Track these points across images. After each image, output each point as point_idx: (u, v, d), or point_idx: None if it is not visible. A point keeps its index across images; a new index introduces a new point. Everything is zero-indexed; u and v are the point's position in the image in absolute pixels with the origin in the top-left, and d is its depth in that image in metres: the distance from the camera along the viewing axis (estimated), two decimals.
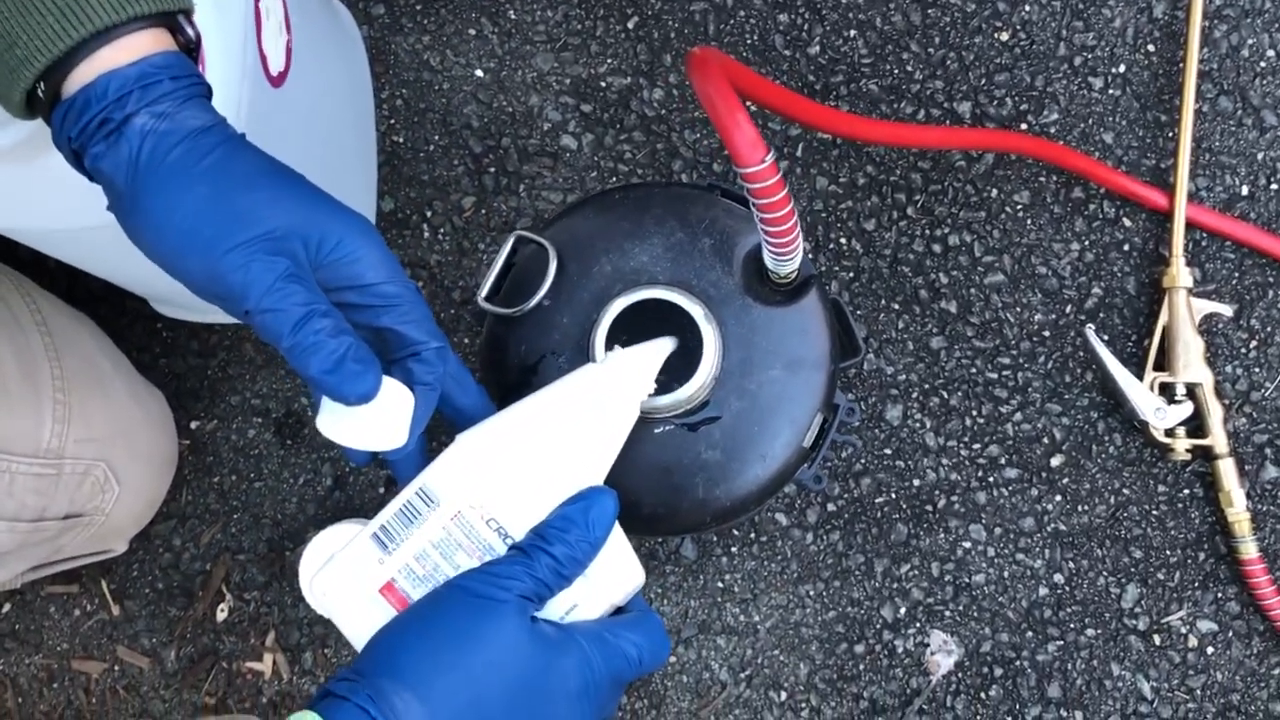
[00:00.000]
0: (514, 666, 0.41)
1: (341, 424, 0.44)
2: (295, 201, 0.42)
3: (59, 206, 0.55)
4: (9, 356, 0.63)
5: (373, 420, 0.44)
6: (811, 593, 0.79)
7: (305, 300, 0.40)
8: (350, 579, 0.46)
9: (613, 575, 0.46)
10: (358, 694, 0.39)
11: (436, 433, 0.53)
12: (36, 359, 0.65)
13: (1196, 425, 0.77)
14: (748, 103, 0.46)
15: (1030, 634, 0.78)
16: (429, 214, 0.83)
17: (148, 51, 0.40)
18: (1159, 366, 0.77)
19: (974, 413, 0.80)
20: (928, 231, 0.81)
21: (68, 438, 0.65)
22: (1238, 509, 0.76)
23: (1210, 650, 0.78)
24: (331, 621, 0.47)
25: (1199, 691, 0.78)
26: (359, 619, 0.46)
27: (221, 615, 0.82)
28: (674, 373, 0.56)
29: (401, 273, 0.44)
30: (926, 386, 0.80)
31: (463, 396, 0.50)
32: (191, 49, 0.44)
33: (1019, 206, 0.81)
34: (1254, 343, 0.79)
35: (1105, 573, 0.78)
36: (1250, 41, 0.81)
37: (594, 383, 0.50)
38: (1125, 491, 0.79)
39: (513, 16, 0.84)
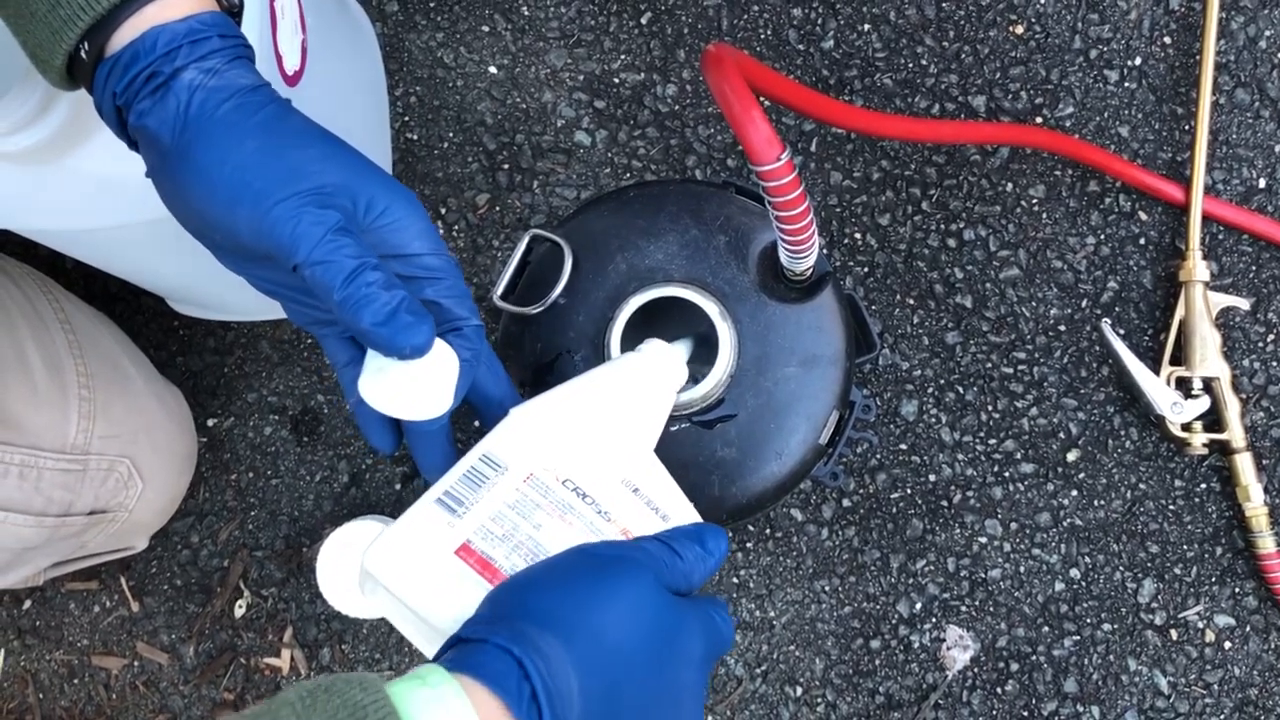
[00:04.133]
0: (652, 623, 0.38)
1: (385, 385, 0.43)
2: (345, 162, 0.41)
3: (79, 207, 0.55)
4: (35, 354, 0.64)
5: (419, 379, 0.43)
6: (827, 588, 0.79)
7: (357, 253, 0.39)
8: (416, 544, 0.43)
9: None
10: (496, 635, 0.35)
11: (459, 424, 0.53)
12: (61, 357, 0.66)
13: (1213, 419, 0.77)
14: (762, 99, 0.45)
15: (1046, 629, 0.78)
16: (443, 211, 0.84)
17: (195, 9, 0.40)
18: (1175, 361, 0.77)
19: (989, 408, 0.79)
20: (943, 226, 0.81)
21: (93, 434, 0.66)
22: (1255, 503, 0.75)
23: (1227, 645, 0.77)
24: (345, 614, 0.46)
25: (1216, 686, 0.77)
26: (430, 583, 0.42)
27: (239, 611, 0.82)
28: (690, 370, 0.56)
29: (445, 247, 0.44)
30: (942, 382, 0.80)
31: (494, 384, 0.49)
32: (234, 12, 0.43)
33: (1034, 200, 0.80)
34: (1271, 336, 0.79)
35: (1122, 567, 0.78)
36: (1268, 33, 0.80)
37: (636, 365, 0.50)
38: (1142, 486, 0.79)
39: (526, 13, 0.84)
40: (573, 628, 0.36)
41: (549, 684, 0.34)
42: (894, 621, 0.79)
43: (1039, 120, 0.81)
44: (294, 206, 0.39)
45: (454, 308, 0.44)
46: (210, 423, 0.84)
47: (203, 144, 0.39)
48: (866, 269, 0.81)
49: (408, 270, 0.43)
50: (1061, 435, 0.79)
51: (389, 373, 0.42)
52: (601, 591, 0.38)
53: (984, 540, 0.79)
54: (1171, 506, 0.78)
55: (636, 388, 0.49)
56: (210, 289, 0.75)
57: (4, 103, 0.49)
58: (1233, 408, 0.76)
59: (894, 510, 0.79)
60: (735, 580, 0.80)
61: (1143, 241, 0.80)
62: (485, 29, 0.85)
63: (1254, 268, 0.79)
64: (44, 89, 0.51)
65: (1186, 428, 0.76)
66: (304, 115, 0.42)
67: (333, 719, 0.30)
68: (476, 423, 0.51)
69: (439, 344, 0.42)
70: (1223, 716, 0.77)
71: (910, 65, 0.82)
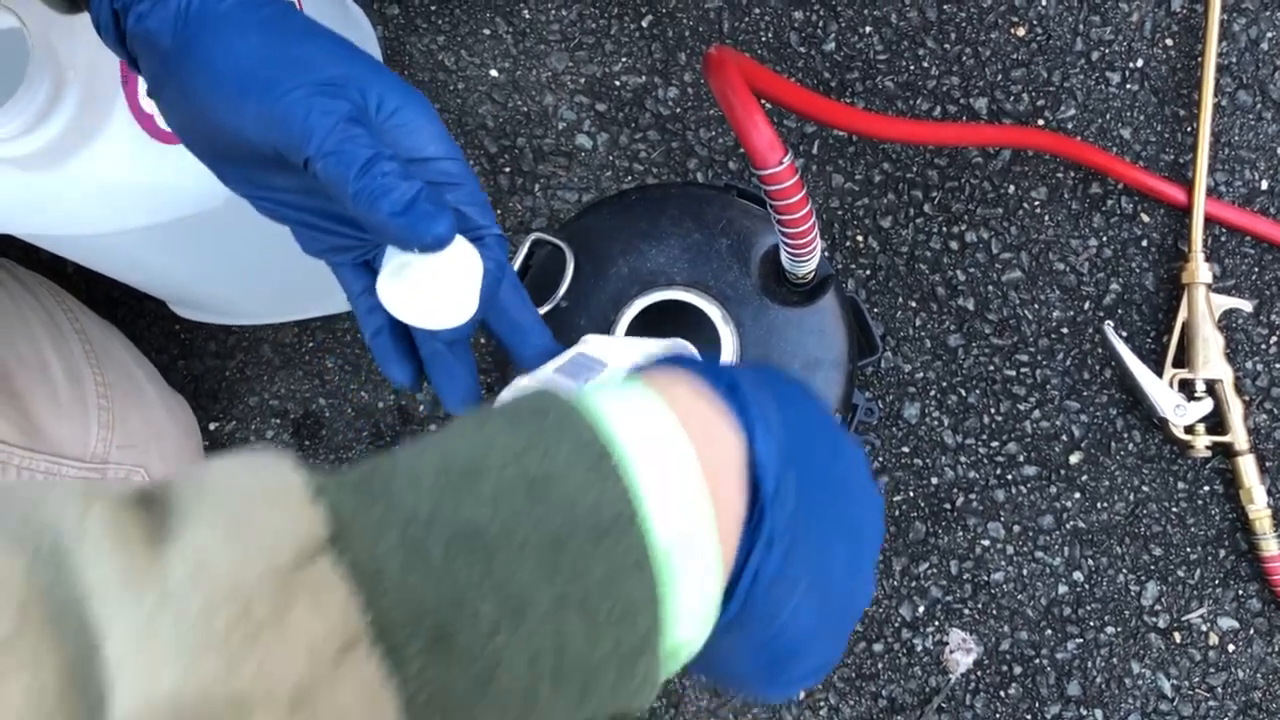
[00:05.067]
0: (834, 426, 0.35)
1: (404, 287, 0.40)
2: (354, 58, 0.39)
3: (81, 212, 0.55)
4: (56, 364, 0.65)
5: (441, 277, 0.39)
6: None
7: (370, 143, 0.36)
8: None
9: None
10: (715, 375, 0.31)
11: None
12: (80, 367, 0.67)
13: (1216, 422, 0.77)
14: (764, 102, 0.45)
15: (1049, 632, 0.78)
16: None
17: None
18: (1178, 363, 0.77)
19: (992, 410, 0.79)
20: (945, 228, 0.81)
21: (111, 444, 0.66)
22: (1258, 505, 0.75)
23: (1231, 648, 0.77)
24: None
25: (1220, 689, 0.77)
26: None
27: None
28: None
29: (461, 153, 0.41)
30: (944, 384, 0.80)
31: (519, 308, 0.45)
32: None
33: (1036, 203, 0.80)
34: (1274, 338, 0.79)
35: (1125, 570, 0.78)
36: (1270, 35, 0.80)
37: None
38: (1145, 488, 0.79)
39: (527, 16, 0.84)
40: (779, 391, 0.32)
41: (757, 401, 0.30)
42: (897, 625, 0.78)
43: (1041, 122, 0.81)
44: (303, 96, 0.36)
45: (475, 215, 0.41)
46: (212, 427, 0.84)
47: (206, 38, 0.38)
48: (869, 272, 0.81)
49: (426, 175, 0.40)
50: (1064, 438, 0.79)
51: (409, 272, 0.39)
52: (789, 384, 0.34)
53: (987, 543, 0.79)
54: (1175, 509, 0.78)
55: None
56: (212, 293, 0.75)
57: (7, 109, 0.49)
58: (1236, 410, 0.76)
59: (896, 513, 0.79)
60: None
61: (1145, 244, 0.80)
62: (486, 32, 0.85)
63: (1256, 270, 0.79)
64: (47, 95, 0.51)
65: (1189, 430, 0.76)
66: (308, 15, 0.40)
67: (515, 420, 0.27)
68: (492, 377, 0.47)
69: (461, 241, 0.39)
70: (1227, 719, 0.77)
71: (912, 67, 0.82)
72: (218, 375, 0.84)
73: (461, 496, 0.25)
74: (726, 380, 0.30)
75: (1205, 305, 0.76)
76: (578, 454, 0.26)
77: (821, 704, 0.78)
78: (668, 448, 0.27)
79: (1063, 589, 0.78)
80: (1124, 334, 0.79)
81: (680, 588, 0.26)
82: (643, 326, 0.58)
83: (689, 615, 0.27)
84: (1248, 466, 0.76)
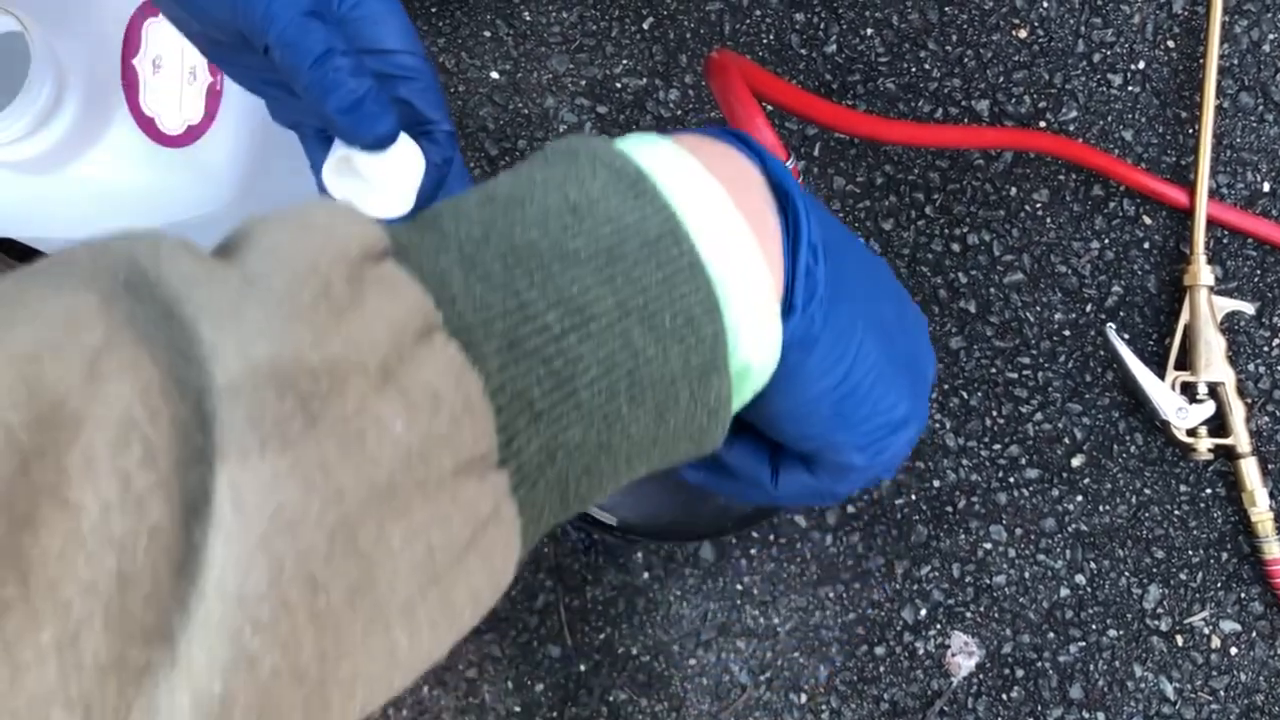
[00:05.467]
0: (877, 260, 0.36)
1: (346, 178, 0.42)
2: None
3: (82, 216, 0.55)
4: None
5: (380, 174, 0.41)
6: (831, 595, 0.79)
7: (326, 38, 0.38)
8: None
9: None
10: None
11: None
12: None
13: (1219, 424, 0.76)
14: (765, 104, 0.45)
15: (1052, 635, 0.78)
16: None
17: None
18: (1180, 365, 0.77)
19: (994, 413, 0.79)
20: (946, 231, 0.80)
21: None
22: (1261, 508, 0.75)
23: (1234, 651, 0.77)
24: None
25: (1222, 692, 0.77)
26: None
27: None
28: None
29: (422, 48, 0.43)
30: (946, 387, 0.80)
31: None
32: None
33: (1038, 205, 0.80)
34: (1276, 340, 0.79)
35: (1127, 573, 0.78)
36: (1271, 36, 0.80)
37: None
38: (1147, 491, 0.78)
39: (528, 18, 0.84)
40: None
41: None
42: (899, 628, 0.78)
43: (1042, 124, 0.81)
44: None
45: (426, 109, 0.42)
46: None
47: None
48: None
49: (381, 67, 0.41)
50: (1066, 440, 0.79)
51: (351, 164, 0.41)
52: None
53: (989, 546, 0.79)
54: (1177, 512, 0.78)
55: None
56: None
57: (8, 112, 0.49)
58: (1238, 413, 0.76)
59: (898, 516, 0.79)
60: (739, 587, 0.79)
61: (1147, 246, 0.80)
62: (486, 34, 0.85)
63: (1259, 272, 0.79)
64: (48, 98, 0.51)
65: (1192, 433, 0.76)
66: None
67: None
68: None
69: (405, 142, 0.41)
70: None
71: (913, 69, 0.82)
72: None
73: (510, 219, 0.26)
74: (743, 140, 0.32)
75: (1207, 308, 0.76)
76: (614, 181, 0.27)
77: (823, 708, 0.78)
78: (697, 175, 0.28)
79: (1065, 592, 0.78)
80: (1126, 336, 0.79)
81: (734, 296, 0.27)
82: None
83: (749, 331, 0.27)
84: (1250, 469, 0.75)
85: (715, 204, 0.27)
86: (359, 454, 0.21)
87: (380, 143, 0.39)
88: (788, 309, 0.29)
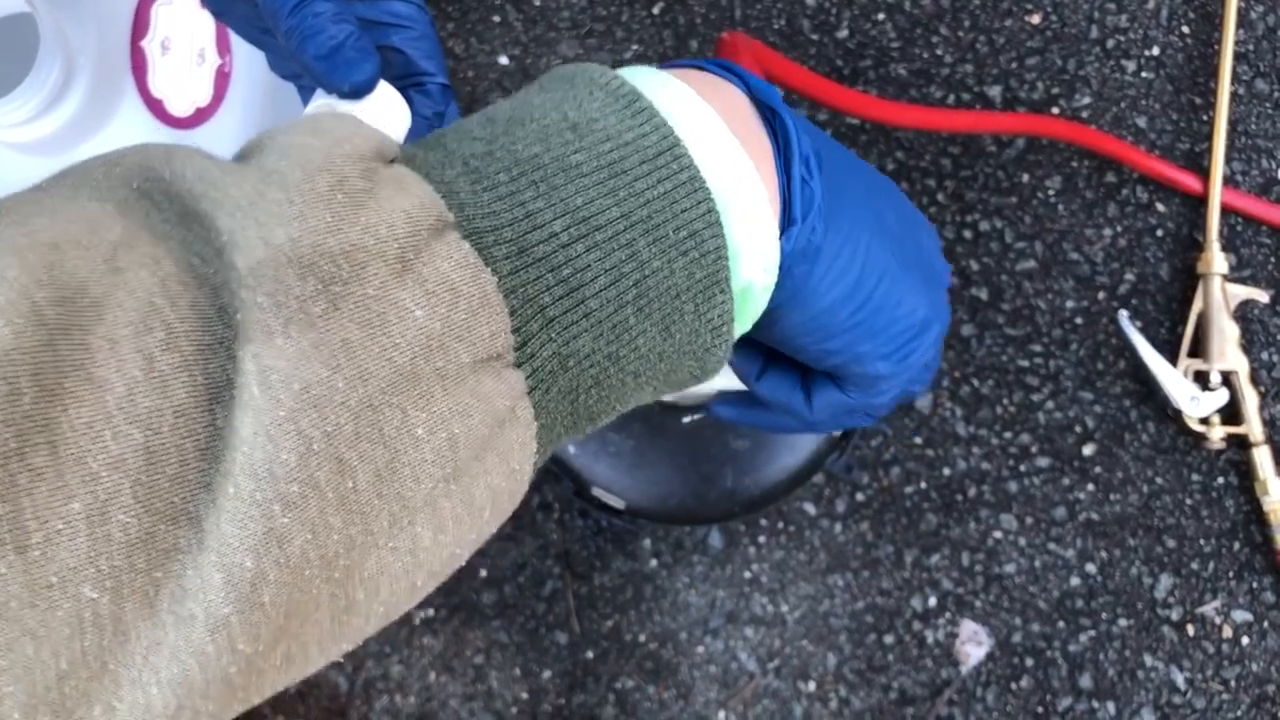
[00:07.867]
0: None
1: None
2: None
3: None
4: None
5: None
6: (840, 583, 0.79)
7: None
8: None
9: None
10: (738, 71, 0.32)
11: None
12: None
13: (1231, 413, 0.76)
14: (776, 88, 0.45)
15: (1062, 624, 0.77)
16: None
17: None
18: (1193, 353, 0.76)
19: (1005, 401, 0.79)
20: (958, 218, 0.80)
21: None
22: (1274, 498, 0.75)
23: (1245, 641, 0.77)
24: None
25: (1233, 682, 0.77)
26: None
27: None
28: None
29: None
30: (957, 375, 0.79)
31: None
32: None
33: (1051, 192, 0.80)
34: None
35: (1138, 562, 0.78)
36: None
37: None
38: (1159, 480, 0.78)
39: (537, 3, 0.84)
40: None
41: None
42: (908, 616, 0.78)
43: (1055, 111, 0.80)
44: None
45: (419, 60, 0.40)
46: None
47: None
48: None
49: (373, 14, 0.40)
50: (1078, 429, 0.78)
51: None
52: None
53: (999, 535, 0.78)
54: (1189, 501, 0.78)
55: None
56: None
57: (16, 94, 0.49)
58: (1251, 401, 0.75)
59: (908, 504, 0.79)
60: (748, 575, 0.79)
61: (1160, 233, 0.79)
62: (496, 19, 0.84)
63: (1273, 259, 0.78)
64: (57, 80, 0.50)
65: (1204, 421, 0.75)
66: None
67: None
68: None
69: (388, 91, 0.38)
70: (1240, 712, 0.76)
71: (925, 55, 0.81)
72: None
73: (513, 137, 0.26)
74: (728, 69, 0.32)
75: (1221, 295, 0.75)
76: (611, 102, 0.27)
77: (831, 696, 0.78)
78: (690, 98, 0.29)
79: (1075, 581, 0.78)
80: (1139, 324, 0.78)
81: (734, 212, 0.27)
82: None
83: (750, 248, 0.28)
84: (1263, 458, 0.75)
85: (709, 125, 0.28)
86: (382, 336, 0.21)
87: (356, 91, 0.37)
88: (787, 223, 0.29)
